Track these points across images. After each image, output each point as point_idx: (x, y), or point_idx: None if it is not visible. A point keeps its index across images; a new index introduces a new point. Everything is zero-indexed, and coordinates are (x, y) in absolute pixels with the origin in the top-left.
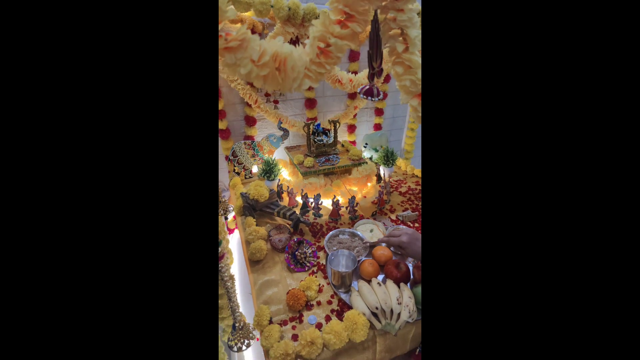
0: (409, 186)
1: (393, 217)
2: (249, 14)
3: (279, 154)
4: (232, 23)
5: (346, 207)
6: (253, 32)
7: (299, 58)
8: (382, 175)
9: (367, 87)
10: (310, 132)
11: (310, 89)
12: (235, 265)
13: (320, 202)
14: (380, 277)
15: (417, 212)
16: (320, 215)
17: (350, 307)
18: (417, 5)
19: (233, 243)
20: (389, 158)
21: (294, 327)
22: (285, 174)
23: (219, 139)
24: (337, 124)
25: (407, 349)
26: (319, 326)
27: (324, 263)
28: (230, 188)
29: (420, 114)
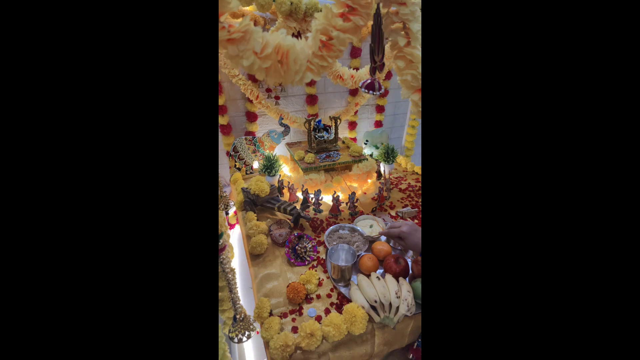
0: (409, 183)
1: (393, 213)
2: (250, 9)
3: (279, 150)
4: (234, 18)
5: (346, 203)
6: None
7: (302, 51)
8: (382, 172)
9: (369, 81)
10: (311, 129)
11: (311, 84)
12: (235, 259)
13: (320, 198)
14: (380, 271)
15: (416, 209)
16: (320, 211)
17: (349, 301)
18: None
19: (234, 238)
20: (389, 155)
21: (293, 320)
22: (286, 170)
23: (221, 134)
24: (338, 120)
25: (405, 343)
26: (318, 319)
27: (324, 257)
28: (231, 183)
29: (421, 109)
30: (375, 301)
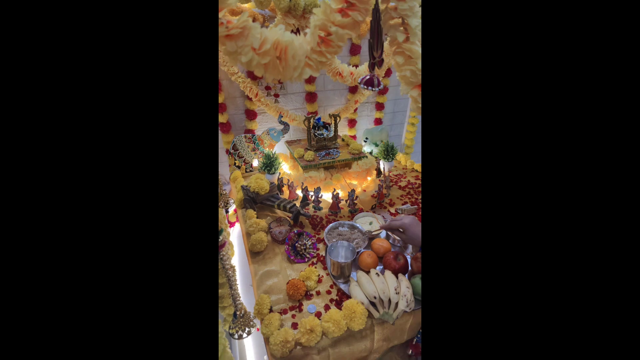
0: (409, 180)
1: (392, 210)
2: (249, 6)
3: (279, 148)
4: (232, 15)
5: (346, 201)
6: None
7: (300, 47)
8: (382, 169)
9: (368, 77)
10: (311, 126)
11: (311, 82)
12: (235, 257)
13: (320, 196)
14: (379, 268)
15: (416, 206)
16: (320, 208)
17: (349, 297)
18: None
19: (234, 236)
20: (389, 152)
21: (293, 316)
22: (285, 168)
23: (220, 132)
24: (338, 118)
25: (404, 339)
26: (318, 315)
27: (324, 254)
28: (231, 181)
29: (419, 105)
30: (375, 297)
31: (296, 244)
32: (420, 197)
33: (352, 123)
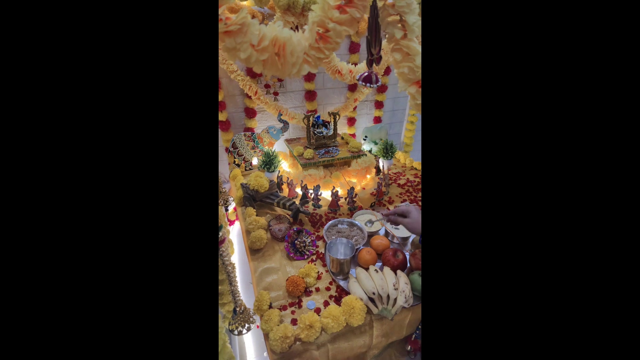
0: (408, 178)
1: (391, 208)
2: (248, 3)
3: (278, 146)
4: (231, 13)
5: (345, 198)
6: None
7: (298, 43)
8: (381, 167)
9: (366, 73)
10: (310, 124)
11: (310, 80)
12: (235, 255)
13: (319, 193)
14: (378, 265)
15: (415, 204)
16: (319, 206)
17: (348, 294)
18: None
19: (233, 234)
20: (388, 151)
21: (293, 312)
22: (285, 166)
23: (220, 130)
24: (337, 116)
25: (403, 335)
26: (317, 311)
27: (323, 252)
28: (231, 180)
29: (418, 102)
30: (374, 293)
31: (295, 242)
32: (418, 194)
33: (351, 121)
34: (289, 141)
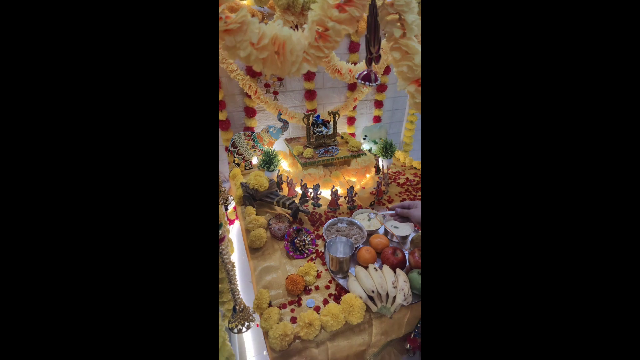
0: (407, 178)
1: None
2: (248, 2)
3: (278, 146)
4: (231, 11)
5: (345, 198)
6: None
7: (298, 42)
8: (380, 166)
9: (365, 72)
10: (310, 124)
11: (310, 79)
12: (235, 254)
13: (319, 193)
14: (377, 263)
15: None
16: (319, 205)
17: (347, 292)
18: None
19: (233, 234)
20: (387, 150)
21: (292, 310)
22: (284, 165)
23: (219, 130)
24: (337, 115)
25: (402, 333)
26: (317, 309)
27: (323, 250)
28: (230, 179)
29: (417, 101)
30: (373, 291)
31: (295, 240)
32: (418, 194)
33: (351, 120)
34: (288, 140)
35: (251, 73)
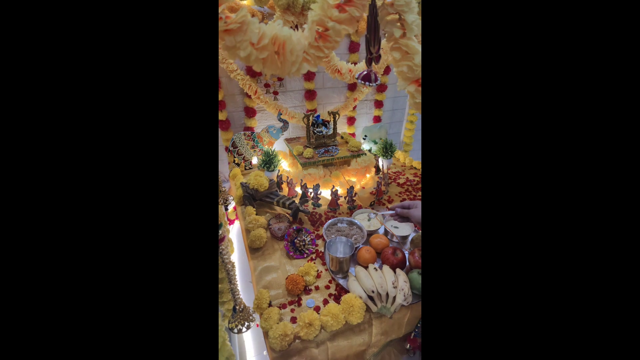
0: (407, 178)
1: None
2: (248, 2)
3: (278, 146)
4: (231, 12)
5: (345, 198)
6: None
7: (298, 42)
8: (380, 166)
9: (365, 72)
10: (310, 124)
11: (310, 79)
12: (235, 254)
13: (319, 192)
14: (377, 264)
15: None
16: (319, 205)
17: (347, 292)
18: None
19: (233, 234)
20: (387, 150)
21: (292, 310)
22: (284, 165)
23: (219, 130)
24: (337, 115)
25: (402, 333)
26: (317, 309)
27: (323, 250)
28: (230, 179)
29: (417, 101)
30: (373, 291)
31: (295, 240)
32: (418, 193)
33: (351, 120)
34: (288, 140)
35: (251, 73)
